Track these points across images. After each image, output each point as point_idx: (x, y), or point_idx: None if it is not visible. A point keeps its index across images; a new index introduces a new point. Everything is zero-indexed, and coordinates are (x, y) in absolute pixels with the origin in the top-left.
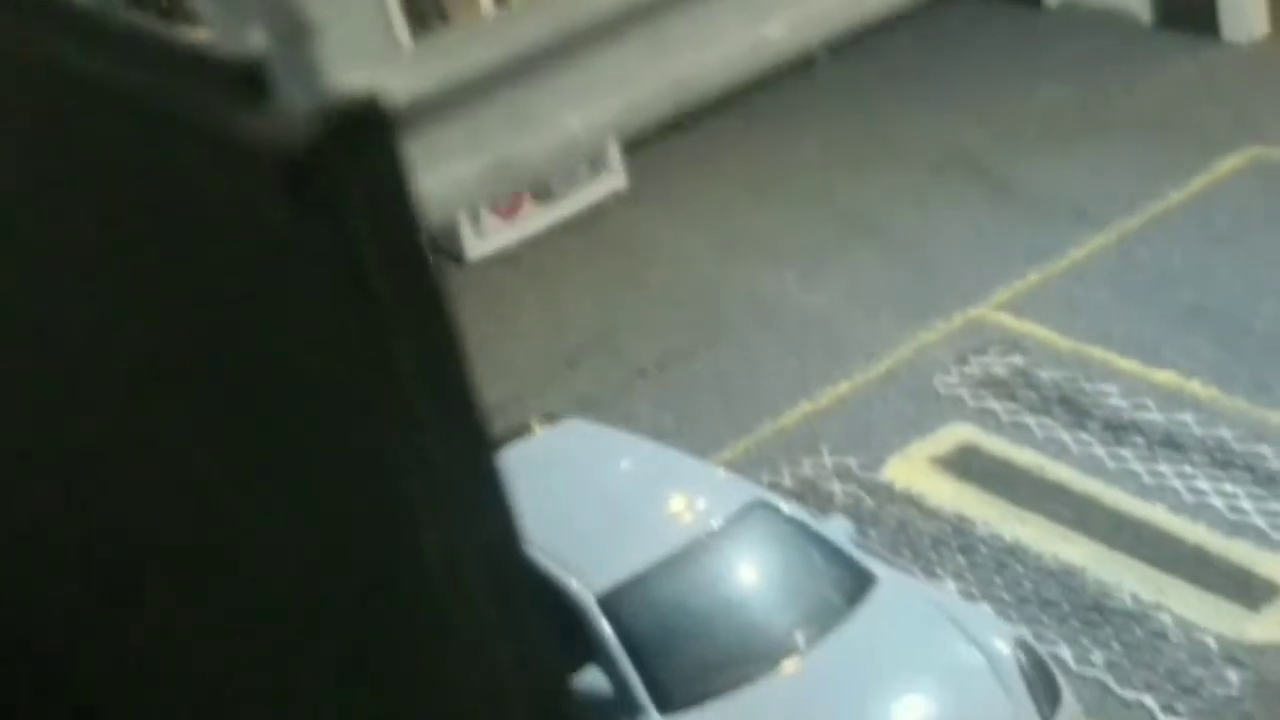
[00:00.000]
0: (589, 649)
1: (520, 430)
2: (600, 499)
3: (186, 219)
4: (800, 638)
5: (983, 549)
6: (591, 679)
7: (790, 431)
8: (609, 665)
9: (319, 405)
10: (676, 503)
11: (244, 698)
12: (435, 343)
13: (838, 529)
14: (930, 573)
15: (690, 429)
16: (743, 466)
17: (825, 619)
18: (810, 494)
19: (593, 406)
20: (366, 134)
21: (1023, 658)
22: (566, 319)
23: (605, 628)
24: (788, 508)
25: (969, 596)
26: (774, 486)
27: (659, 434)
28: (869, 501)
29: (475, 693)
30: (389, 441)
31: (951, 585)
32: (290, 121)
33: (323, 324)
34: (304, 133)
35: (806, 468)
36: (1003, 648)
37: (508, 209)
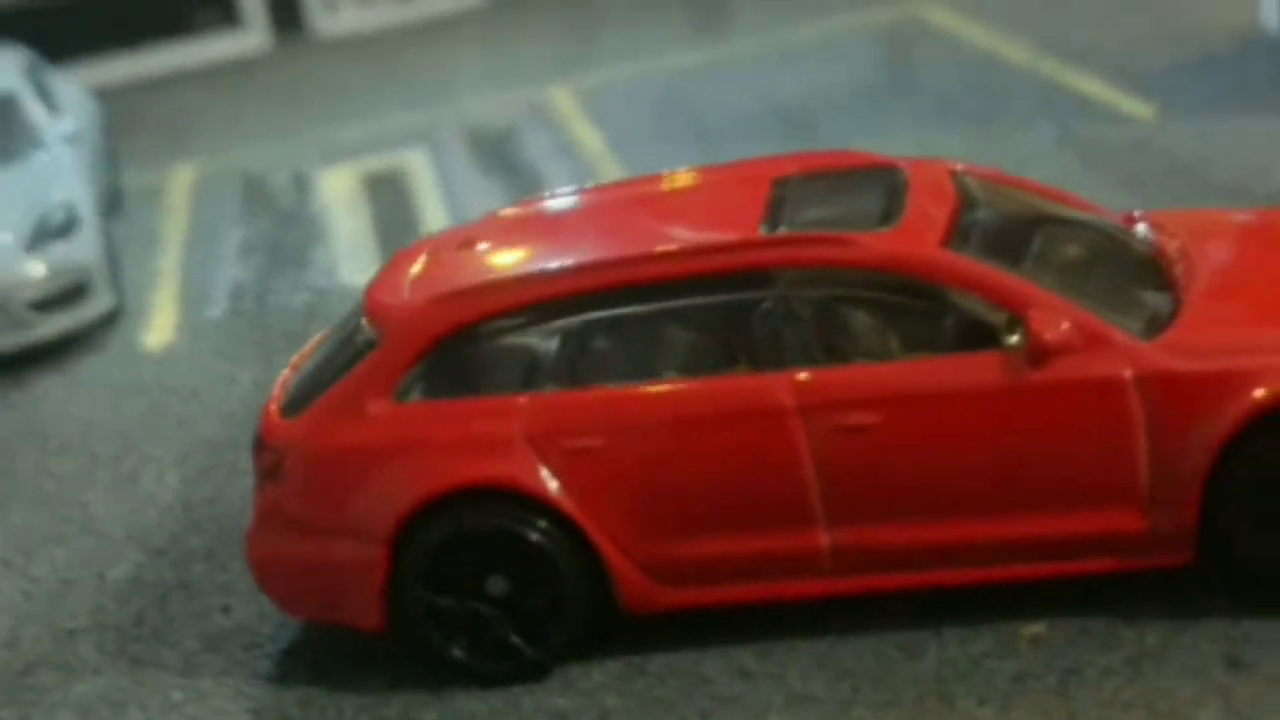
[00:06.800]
0: None
1: None
2: None
3: None
4: None
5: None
6: None
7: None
8: None
9: None
10: None
11: None
12: None
13: (66, 124)
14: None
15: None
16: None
17: None
18: (256, 186)
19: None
20: None
21: (59, 215)
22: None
23: None
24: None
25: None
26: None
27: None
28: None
29: None
30: None
31: (236, 235)
32: None
33: None
34: None
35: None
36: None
37: None
